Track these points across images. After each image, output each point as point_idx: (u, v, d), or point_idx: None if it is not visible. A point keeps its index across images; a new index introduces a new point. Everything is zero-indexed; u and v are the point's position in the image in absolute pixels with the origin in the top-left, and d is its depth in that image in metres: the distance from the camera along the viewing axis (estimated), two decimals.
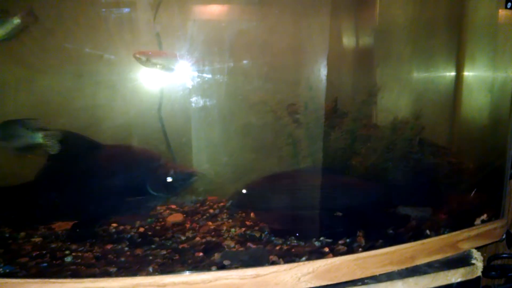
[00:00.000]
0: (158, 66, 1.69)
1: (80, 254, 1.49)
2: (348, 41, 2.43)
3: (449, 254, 1.69)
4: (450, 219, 1.84)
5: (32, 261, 1.43)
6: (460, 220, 1.82)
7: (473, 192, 1.98)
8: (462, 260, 1.70)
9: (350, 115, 1.97)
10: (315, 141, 1.88)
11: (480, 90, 2.45)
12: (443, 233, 1.70)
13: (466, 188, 2.03)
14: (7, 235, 1.64)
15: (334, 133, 1.89)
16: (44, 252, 1.50)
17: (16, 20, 1.54)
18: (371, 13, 2.39)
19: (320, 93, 1.93)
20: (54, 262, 1.43)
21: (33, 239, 1.61)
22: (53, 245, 1.56)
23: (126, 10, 1.90)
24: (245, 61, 2.01)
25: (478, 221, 1.83)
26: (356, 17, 2.41)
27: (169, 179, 1.73)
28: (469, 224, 1.80)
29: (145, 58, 1.67)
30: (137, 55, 1.67)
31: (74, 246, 1.54)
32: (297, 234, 1.64)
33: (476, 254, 1.74)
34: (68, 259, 1.45)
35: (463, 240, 1.72)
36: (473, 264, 1.67)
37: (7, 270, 1.36)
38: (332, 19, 2.22)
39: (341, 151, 1.90)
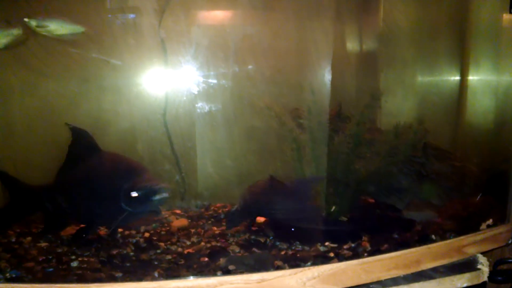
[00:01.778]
0: (47, 31, 1.54)
1: (86, 259, 1.49)
2: (352, 45, 2.44)
3: (454, 259, 1.69)
4: (455, 223, 1.84)
5: (38, 265, 1.44)
6: (465, 225, 1.82)
7: (478, 196, 1.98)
8: (468, 265, 1.69)
9: (354, 119, 1.96)
10: (319, 146, 1.88)
11: (485, 94, 2.45)
12: (449, 238, 1.70)
13: (471, 193, 2.03)
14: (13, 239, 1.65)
15: (338, 137, 1.89)
16: (50, 257, 1.50)
17: (17, 31, 1.54)
18: (375, 17, 2.40)
19: (324, 97, 1.94)
20: (60, 266, 1.44)
21: (39, 244, 1.62)
22: (59, 250, 1.57)
23: (131, 16, 1.92)
24: (249, 66, 2.02)
25: (483, 226, 1.82)
26: (360, 21, 2.42)
27: (134, 194, 1.53)
28: (475, 228, 1.79)
29: (35, 23, 1.52)
30: (26, 19, 1.51)
31: (80, 251, 1.55)
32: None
33: (482, 259, 1.73)
34: (74, 264, 1.45)
35: (469, 245, 1.71)
36: (479, 269, 1.67)
37: (14, 275, 1.36)
38: (336, 23, 2.23)
39: (344, 155, 1.89)
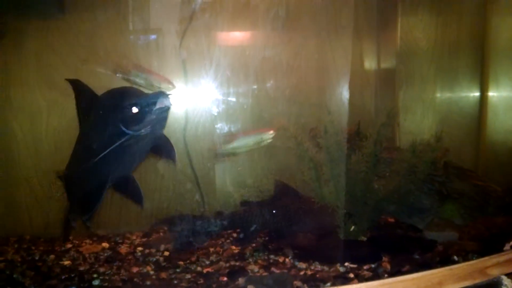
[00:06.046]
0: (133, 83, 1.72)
1: (107, 277, 1.52)
2: (371, 64, 2.44)
3: (477, 280, 1.65)
4: (478, 244, 1.80)
5: (61, 284, 1.46)
6: (488, 245, 1.78)
7: (502, 216, 1.94)
8: (491, 287, 1.65)
9: (372, 138, 1.95)
10: (337, 165, 1.87)
11: (507, 110, 2.42)
12: (471, 259, 1.67)
13: (494, 212, 1.99)
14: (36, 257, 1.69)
15: (356, 156, 1.88)
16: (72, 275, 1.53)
17: None
18: (393, 36, 2.40)
19: (342, 116, 1.94)
20: (82, 285, 1.46)
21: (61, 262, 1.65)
22: (81, 268, 1.59)
23: (153, 37, 1.98)
24: (268, 85, 2.04)
25: (507, 247, 1.78)
26: (378, 40, 2.43)
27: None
28: (498, 249, 1.75)
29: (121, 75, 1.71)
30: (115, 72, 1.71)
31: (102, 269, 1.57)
32: None
33: (506, 280, 1.69)
34: (96, 282, 1.47)
35: (492, 266, 1.67)
36: None
37: None
38: (355, 42, 2.24)
39: (363, 174, 1.88)
